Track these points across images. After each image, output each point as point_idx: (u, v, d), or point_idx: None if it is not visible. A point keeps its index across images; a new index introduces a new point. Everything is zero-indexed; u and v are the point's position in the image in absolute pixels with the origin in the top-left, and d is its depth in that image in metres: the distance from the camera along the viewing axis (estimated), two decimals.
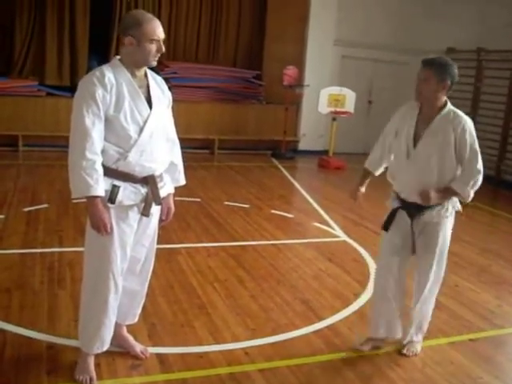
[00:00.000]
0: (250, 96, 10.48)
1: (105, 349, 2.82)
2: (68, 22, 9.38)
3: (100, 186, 2.48)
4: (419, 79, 3.00)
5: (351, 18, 10.41)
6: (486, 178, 3.10)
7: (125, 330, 3.07)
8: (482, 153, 3.06)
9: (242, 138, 10.23)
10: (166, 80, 3.10)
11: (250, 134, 10.31)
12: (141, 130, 2.58)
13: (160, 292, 3.87)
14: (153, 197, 2.68)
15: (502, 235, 6.36)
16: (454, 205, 3.15)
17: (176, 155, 2.88)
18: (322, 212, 6.51)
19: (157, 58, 2.61)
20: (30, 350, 3.03)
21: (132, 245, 2.75)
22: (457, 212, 3.21)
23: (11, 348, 3.03)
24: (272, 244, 5.22)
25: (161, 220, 2.91)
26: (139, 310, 3.08)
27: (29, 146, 8.88)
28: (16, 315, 3.40)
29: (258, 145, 10.36)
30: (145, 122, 2.59)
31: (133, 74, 2.60)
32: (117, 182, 2.57)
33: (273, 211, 6.38)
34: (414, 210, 3.11)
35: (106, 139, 2.53)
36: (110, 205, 2.57)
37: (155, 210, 2.79)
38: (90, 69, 8.19)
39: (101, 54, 9.41)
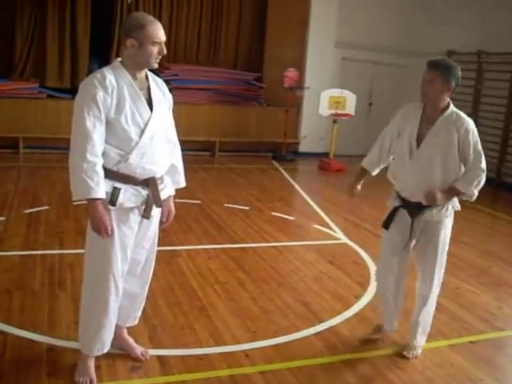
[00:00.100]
0: (251, 98, 10.48)
1: (105, 351, 2.82)
2: (69, 24, 9.38)
3: (101, 189, 2.48)
4: (424, 81, 3.03)
5: (352, 20, 10.41)
6: (486, 179, 3.11)
7: (125, 332, 3.07)
8: None
9: (243, 140, 10.23)
10: (167, 82, 3.11)
11: (250, 136, 10.30)
12: (142, 132, 2.58)
13: (160, 294, 3.87)
14: (153, 199, 2.69)
15: (502, 237, 6.35)
16: (453, 204, 3.18)
17: (176, 157, 2.89)
18: (322, 214, 6.51)
19: (158, 60, 2.62)
20: (30, 351, 3.03)
21: (132, 247, 2.75)
22: (456, 212, 3.23)
23: (12, 350, 3.03)
24: (272, 246, 5.22)
25: (161, 222, 2.91)
26: (139, 313, 3.08)
27: (29, 148, 8.88)
28: (16, 317, 3.40)
29: (259, 147, 10.36)
30: (146, 125, 2.59)
31: (134, 76, 2.61)
32: (117, 185, 2.57)
33: (273, 213, 6.38)
34: (415, 209, 3.14)
35: (106, 141, 2.53)
36: (110, 207, 2.57)
37: (156, 212, 2.79)
38: (90, 71, 8.22)
39: (101, 56, 9.42)
